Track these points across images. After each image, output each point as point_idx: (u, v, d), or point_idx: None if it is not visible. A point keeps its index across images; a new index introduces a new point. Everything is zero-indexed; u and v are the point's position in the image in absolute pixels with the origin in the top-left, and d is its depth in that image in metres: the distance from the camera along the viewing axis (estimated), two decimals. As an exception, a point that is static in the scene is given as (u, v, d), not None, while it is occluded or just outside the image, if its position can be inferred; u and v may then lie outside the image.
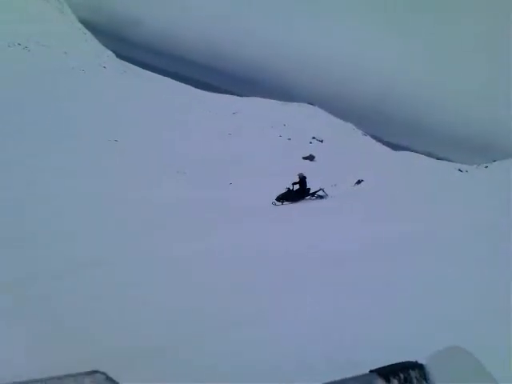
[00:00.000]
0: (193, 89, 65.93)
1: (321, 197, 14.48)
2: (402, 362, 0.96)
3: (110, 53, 68.81)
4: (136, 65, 74.78)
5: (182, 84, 67.97)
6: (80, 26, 72.79)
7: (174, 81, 68.86)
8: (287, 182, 15.60)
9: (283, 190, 15.37)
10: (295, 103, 62.47)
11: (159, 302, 5.72)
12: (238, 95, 67.13)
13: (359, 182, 21.07)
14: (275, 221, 12.66)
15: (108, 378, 0.74)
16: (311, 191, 14.84)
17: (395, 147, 51.80)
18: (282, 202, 14.27)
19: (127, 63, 71.71)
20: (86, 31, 72.28)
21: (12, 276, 7.34)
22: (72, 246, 9.81)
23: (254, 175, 27.94)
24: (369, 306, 4.58)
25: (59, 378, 0.73)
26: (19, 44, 57.23)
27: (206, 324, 4.71)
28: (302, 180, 14.67)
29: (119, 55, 71.73)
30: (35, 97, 39.30)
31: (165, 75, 72.05)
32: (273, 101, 62.27)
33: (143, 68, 74.28)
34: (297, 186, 15.15)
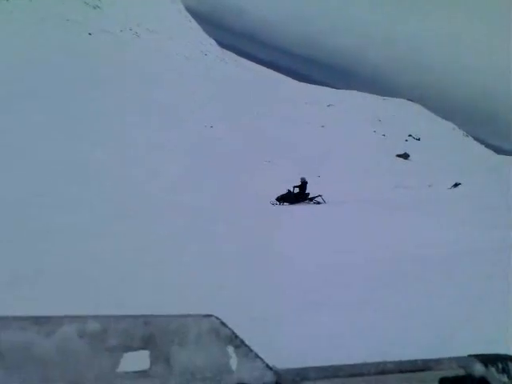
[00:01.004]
0: (290, 79, 66.10)
1: (318, 203, 14.73)
2: (501, 354, 0.94)
3: (212, 41, 70.88)
4: (236, 53, 76.37)
5: (279, 74, 68.38)
6: (187, 14, 75.62)
7: (271, 70, 69.50)
8: (377, 179, 15.28)
9: (367, 187, 15.32)
10: (394, 98, 60.40)
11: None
12: (334, 87, 66.25)
13: (456, 185, 20.07)
14: (362, 218, 12.41)
15: (222, 323, 0.81)
16: (310, 196, 15.11)
17: (499, 150, 48.36)
18: (281, 203, 14.57)
19: (228, 52, 73.46)
20: (192, 19, 74.96)
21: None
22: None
23: (343, 169, 27.54)
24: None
25: (181, 316, 0.82)
26: (130, 29, 60.78)
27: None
28: (303, 184, 15.03)
29: (221, 43, 73.70)
30: (140, 79, 41.58)
31: (263, 65, 72.89)
32: (370, 95, 60.71)
33: (243, 57, 75.65)
34: (297, 190, 15.55)
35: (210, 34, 73.79)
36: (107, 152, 20.88)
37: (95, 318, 0.76)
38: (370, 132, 44.46)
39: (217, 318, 0.81)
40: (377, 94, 61.88)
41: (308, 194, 15.14)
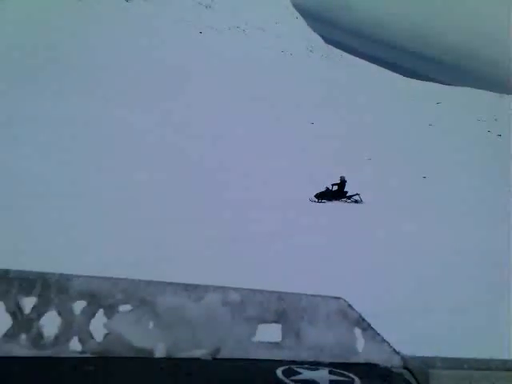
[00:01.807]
0: (396, 75, 63.75)
1: (356, 201, 15.15)
2: None
3: (317, 37, 70.52)
4: (342, 49, 75.19)
5: (385, 70, 66.21)
6: (293, 10, 75.95)
7: (378, 67, 67.50)
8: (491, 183, 14.28)
9: (481, 192, 14.80)
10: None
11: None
12: (444, 83, 62.73)
13: None
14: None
15: (350, 306, 0.86)
16: (348, 194, 15.50)
17: None
18: (319, 200, 15.05)
19: (333, 48, 72.57)
20: (298, 15, 75.11)
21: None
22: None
23: (453, 172, 26.05)
24: None
25: (311, 295, 0.88)
26: (238, 27, 62.45)
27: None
28: (342, 183, 15.39)
29: (326, 39, 73.04)
30: (247, 76, 42.59)
31: (369, 60, 71.02)
32: (485, 92, 56.63)
33: (349, 53, 74.29)
34: (335, 187, 15.87)
35: (316, 30, 73.47)
36: (225, 149, 21.75)
37: (235, 289, 0.84)
38: (484, 131, 41.50)
39: (345, 301, 0.86)
40: (493, 91, 57.54)
41: (346, 192, 15.40)
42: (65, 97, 24.18)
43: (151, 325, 0.81)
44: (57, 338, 0.78)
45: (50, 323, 0.79)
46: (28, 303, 0.79)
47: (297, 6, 79.48)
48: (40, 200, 9.70)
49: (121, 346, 0.77)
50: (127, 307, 0.81)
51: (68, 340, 0.79)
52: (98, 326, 0.81)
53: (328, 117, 36.49)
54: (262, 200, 13.66)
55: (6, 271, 0.78)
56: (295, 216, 11.50)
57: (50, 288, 0.78)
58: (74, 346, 0.79)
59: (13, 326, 0.78)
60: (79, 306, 0.80)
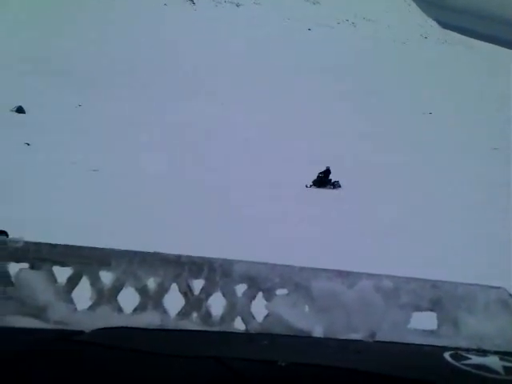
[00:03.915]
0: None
1: (334, 187, 16.86)
2: None
3: (433, 22, 66.81)
4: (459, 32, 70.39)
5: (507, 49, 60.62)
6: (406, -3, 72.72)
7: (495, 46, 62.06)
8: None
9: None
10: None
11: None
12: None
13: None
14: None
15: (511, 295, 0.82)
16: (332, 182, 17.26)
17: None
18: (310, 186, 16.64)
19: (450, 32, 68.20)
20: (411, 2, 71.75)
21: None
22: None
23: None
24: None
25: (468, 284, 0.86)
26: (347, 20, 61.36)
27: None
28: (327, 171, 17.12)
29: (442, 23, 68.85)
30: (355, 68, 41.62)
31: (492, 42, 65.59)
32: None
33: (468, 35, 69.33)
34: (321, 175, 17.27)
35: (431, 15, 69.60)
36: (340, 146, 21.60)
37: (388, 277, 0.85)
38: None
39: (505, 290, 0.82)
40: None
41: (330, 179, 17.07)
42: (185, 100, 25.59)
43: (306, 308, 0.85)
44: (223, 317, 0.86)
45: (217, 303, 0.87)
46: (197, 285, 0.87)
47: (409, -8, 75.92)
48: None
49: (281, 327, 0.82)
50: (283, 291, 0.86)
51: (233, 319, 0.86)
52: (258, 307, 0.87)
53: (447, 106, 34.38)
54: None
55: (179, 256, 0.87)
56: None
57: (215, 271, 0.86)
58: (238, 325, 0.86)
59: (185, 305, 0.87)
60: (241, 288, 0.87)
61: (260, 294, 0.87)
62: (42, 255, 0.87)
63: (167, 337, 0.74)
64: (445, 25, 70.62)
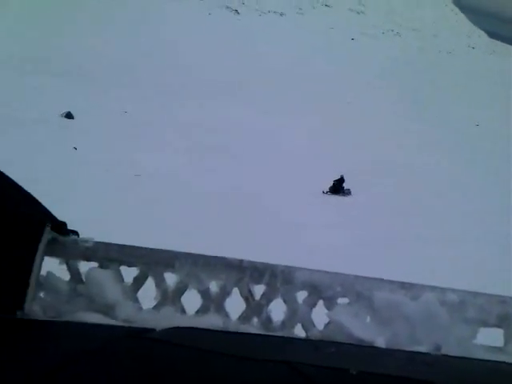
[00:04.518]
0: None
1: (345, 194, 17.48)
2: None
3: (481, 32, 65.12)
4: (508, 43, 68.25)
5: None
6: (453, 7, 71.24)
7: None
8: None
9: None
10: None
11: None
12: None
13: None
14: None
15: None
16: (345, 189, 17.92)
17: None
18: (327, 193, 17.30)
19: (499, 42, 66.27)
20: (458, 12, 70.22)
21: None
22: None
23: None
24: None
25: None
26: (392, 30, 60.58)
27: None
28: (341, 180, 17.66)
29: (491, 33, 67.00)
30: (399, 79, 40.94)
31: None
32: None
33: (517, 46, 67.06)
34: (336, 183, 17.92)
35: (480, 25, 67.88)
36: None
37: (453, 290, 0.84)
38: None
39: None
40: None
41: (343, 187, 17.61)
42: (226, 108, 25.86)
43: (368, 318, 0.85)
44: (283, 323, 0.86)
45: (277, 309, 0.88)
46: (258, 290, 0.88)
47: (457, 2, 74.43)
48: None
49: (342, 335, 0.82)
50: (345, 300, 0.86)
51: (293, 326, 0.86)
52: (319, 315, 0.87)
53: (495, 116, 33.32)
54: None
55: (240, 261, 0.89)
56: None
57: (276, 278, 0.87)
58: (299, 331, 0.86)
59: (246, 310, 0.88)
60: (301, 295, 0.87)
61: (320, 302, 0.87)
62: (110, 255, 0.91)
63: (232, 339, 0.75)
64: (493, 35, 68.64)
